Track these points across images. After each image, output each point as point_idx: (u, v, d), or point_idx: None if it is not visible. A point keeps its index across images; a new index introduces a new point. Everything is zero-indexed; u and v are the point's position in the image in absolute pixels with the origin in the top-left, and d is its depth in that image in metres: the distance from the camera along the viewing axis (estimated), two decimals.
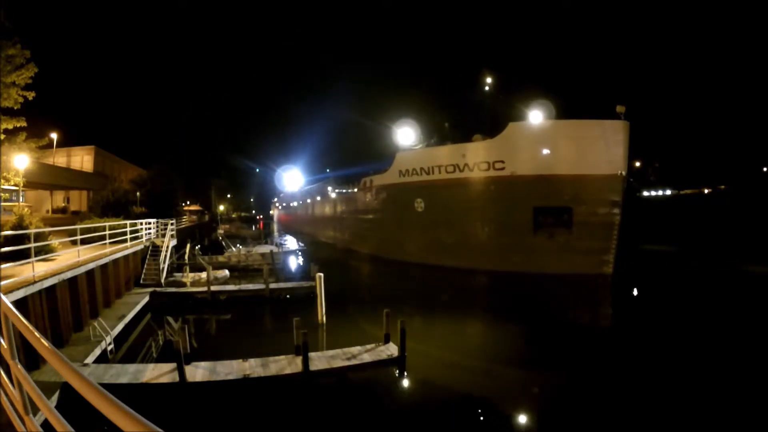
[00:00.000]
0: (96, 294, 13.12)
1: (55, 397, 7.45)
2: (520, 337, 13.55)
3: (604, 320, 16.63)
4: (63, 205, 39.75)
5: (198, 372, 9.58)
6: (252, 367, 9.87)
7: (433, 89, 39.49)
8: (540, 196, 22.03)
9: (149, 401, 8.66)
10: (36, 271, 9.64)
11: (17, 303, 8.23)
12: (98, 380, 8.71)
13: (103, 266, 13.89)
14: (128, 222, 18.02)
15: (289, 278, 22.58)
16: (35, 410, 2.17)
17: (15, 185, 20.01)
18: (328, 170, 54.98)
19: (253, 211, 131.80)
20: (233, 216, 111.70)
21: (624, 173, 21.34)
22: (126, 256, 16.69)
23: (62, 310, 10.69)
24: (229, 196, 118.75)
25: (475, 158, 24.03)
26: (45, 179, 30.18)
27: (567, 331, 14.02)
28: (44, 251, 11.74)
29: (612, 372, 10.56)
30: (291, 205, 75.30)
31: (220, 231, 56.20)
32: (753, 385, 9.49)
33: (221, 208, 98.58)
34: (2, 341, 2.39)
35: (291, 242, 45.02)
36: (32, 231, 10.77)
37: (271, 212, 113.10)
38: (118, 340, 12.04)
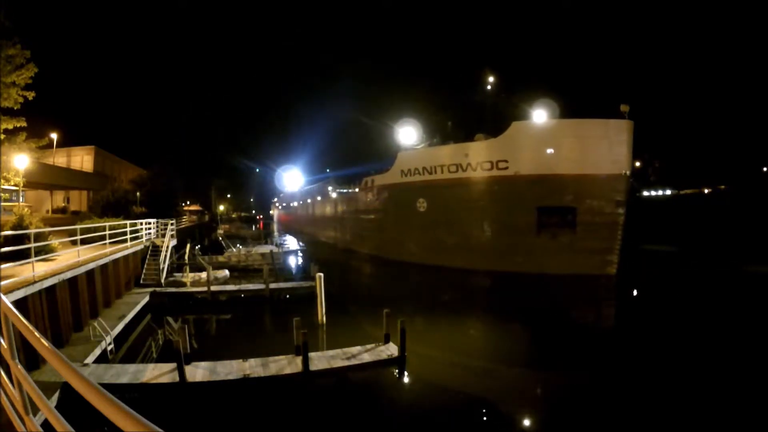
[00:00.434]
0: (96, 294, 13.11)
1: (55, 397, 7.44)
2: (522, 338, 13.55)
3: (608, 321, 16.60)
4: (63, 205, 39.74)
5: (198, 372, 9.58)
6: (252, 367, 9.87)
7: (435, 88, 39.54)
8: (543, 196, 21.97)
9: (149, 401, 8.66)
10: (36, 271, 9.64)
11: (17, 303, 8.22)
12: (98, 380, 8.71)
13: (103, 266, 13.89)
14: (128, 222, 18.00)
15: (289, 278, 22.56)
16: (35, 410, 2.17)
17: (15, 185, 20.04)
18: (328, 170, 55.06)
19: (253, 211, 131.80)
20: (233, 216, 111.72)
21: (628, 173, 21.31)
22: (126, 256, 16.69)
23: (62, 310, 10.69)
24: (229, 196, 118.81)
25: (478, 158, 23.96)
26: (45, 179, 30.17)
27: (569, 332, 14.00)
28: (44, 251, 11.73)
29: (615, 373, 10.55)
30: (291, 205, 75.28)
31: (220, 231, 56.19)
32: (755, 385, 9.48)
33: (221, 208, 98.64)
34: (2, 341, 2.39)
35: (291, 242, 45.04)
36: (32, 231, 10.76)
37: (271, 212, 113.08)
38: (118, 340, 12.04)
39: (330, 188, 44.12)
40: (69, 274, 11.02)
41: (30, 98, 17.98)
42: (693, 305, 16.99)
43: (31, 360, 8.00)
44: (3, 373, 2.60)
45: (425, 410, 8.95)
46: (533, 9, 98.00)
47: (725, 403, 8.69)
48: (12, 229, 11.69)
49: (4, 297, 2.36)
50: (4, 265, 9.33)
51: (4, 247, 9.61)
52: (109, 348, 11.03)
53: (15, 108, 17.91)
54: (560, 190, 21.68)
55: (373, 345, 11.15)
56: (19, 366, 2.19)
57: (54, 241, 12.76)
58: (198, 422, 8.21)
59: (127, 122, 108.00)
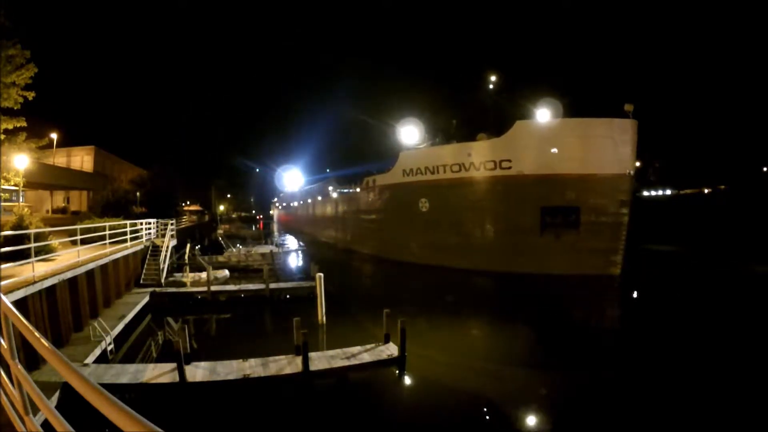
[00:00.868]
0: (96, 294, 13.11)
1: (55, 397, 7.44)
2: (523, 338, 13.53)
3: (612, 322, 16.54)
4: (63, 205, 39.78)
5: (198, 372, 9.58)
6: (252, 367, 9.86)
7: (437, 88, 39.51)
8: (547, 196, 21.89)
9: (149, 401, 8.67)
10: (36, 271, 9.64)
11: (17, 303, 8.22)
12: (98, 380, 8.71)
13: (103, 266, 13.88)
14: (128, 222, 18.00)
15: (289, 278, 22.56)
16: (35, 410, 2.17)
17: (15, 185, 20.05)
18: (328, 170, 55.16)
19: (253, 211, 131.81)
20: (233, 216, 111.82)
21: (632, 173, 21.25)
22: (126, 257, 16.68)
23: (62, 310, 10.69)
24: (229, 196, 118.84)
25: (481, 157, 23.86)
26: (45, 179, 30.20)
27: (572, 333, 13.96)
28: (44, 251, 11.73)
29: (617, 374, 10.53)
30: (291, 205, 75.31)
31: (220, 231, 56.26)
32: (758, 385, 9.48)
33: (221, 208, 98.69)
34: (2, 341, 2.39)
35: (291, 242, 45.04)
36: (32, 231, 10.77)
37: (271, 212, 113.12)
38: (118, 340, 12.03)
39: (330, 188, 44.12)
40: (69, 274, 11.02)
41: (30, 98, 17.99)
42: (696, 305, 16.95)
43: (31, 360, 7.99)
44: (3, 373, 2.60)
45: (425, 410, 8.94)
46: (536, 8, 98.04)
47: (728, 402, 8.68)
48: (12, 229, 11.69)
49: (4, 297, 2.36)
50: (4, 265, 9.33)
51: (4, 247, 9.61)
52: (109, 348, 11.03)
53: (15, 108, 17.92)
54: (564, 189, 21.59)
55: (373, 345, 11.15)
56: (19, 366, 2.19)
57: (54, 241, 12.76)
58: (198, 422, 8.20)
59: (127, 122, 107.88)
